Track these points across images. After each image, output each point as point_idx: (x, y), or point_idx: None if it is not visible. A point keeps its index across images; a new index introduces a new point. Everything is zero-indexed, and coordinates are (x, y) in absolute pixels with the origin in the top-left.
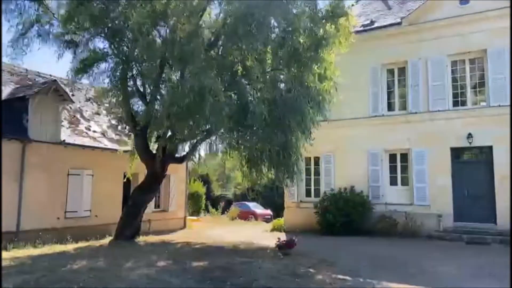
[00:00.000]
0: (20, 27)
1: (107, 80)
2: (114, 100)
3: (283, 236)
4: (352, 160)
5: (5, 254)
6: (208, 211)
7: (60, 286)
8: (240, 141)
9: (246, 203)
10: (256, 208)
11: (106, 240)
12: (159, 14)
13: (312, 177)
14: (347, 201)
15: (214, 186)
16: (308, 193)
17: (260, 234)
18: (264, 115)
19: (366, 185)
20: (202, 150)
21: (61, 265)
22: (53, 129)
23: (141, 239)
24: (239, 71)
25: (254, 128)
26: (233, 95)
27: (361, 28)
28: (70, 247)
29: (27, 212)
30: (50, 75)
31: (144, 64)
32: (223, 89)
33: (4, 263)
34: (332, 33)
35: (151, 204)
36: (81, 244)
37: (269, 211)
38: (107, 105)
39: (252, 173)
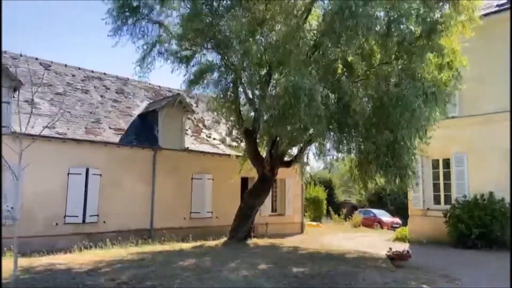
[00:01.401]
0: (145, 47)
1: (217, 89)
2: (225, 107)
3: (406, 247)
4: (489, 161)
5: (133, 249)
6: (330, 217)
7: (163, 281)
8: (344, 142)
9: (371, 209)
10: (383, 215)
11: (222, 240)
12: (257, 20)
13: (441, 181)
14: (484, 210)
15: (338, 191)
16: (436, 200)
17: (380, 243)
18: (368, 113)
19: (508, 191)
20: (311, 153)
21: (173, 262)
22: (178, 137)
23: (252, 241)
24: (339, 69)
25: (359, 128)
26: (331, 94)
27: (496, 9)
28: (189, 245)
29: (158, 212)
30: (178, 89)
31: (249, 71)
32: (321, 88)
33: (128, 257)
34: (451, 16)
35: (268, 208)
36: (199, 243)
37: (397, 219)
38: (218, 113)
39: (363, 176)
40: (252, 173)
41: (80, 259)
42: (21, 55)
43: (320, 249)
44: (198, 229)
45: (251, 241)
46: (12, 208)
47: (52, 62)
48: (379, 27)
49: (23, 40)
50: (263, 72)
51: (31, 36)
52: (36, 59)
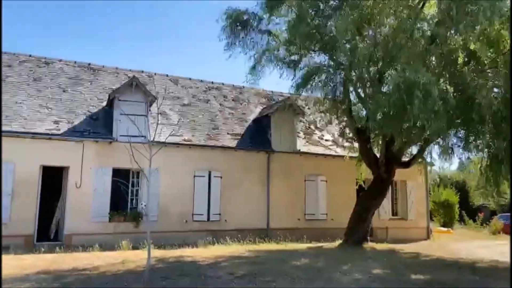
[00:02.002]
0: (255, 56)
1: (326, 90)
2: (335, 108)
3: None
4: None
5: (250, 247)
6: (463, 223)
7: (276, 278)
8: (470, 139)
9: None
10: None
11: (336, 243)
12: (365, 17)
13: None
14: None
15: (473, 194)
16: None
17: None
18: (496, 107)
19: None
20: (435, 153)
21: (286, 261)
22: (290, 140)
23: (369, 245)
24: (460, 59)
25: (486, 123)
26: (449, 87)
27: None
28: (303, 246)
29: (274, 212)
30: (289, 93)
31: (358, 69)
32: (439, 82)
33: (246, 254)
34: None
35: (388, 211)
36: (313, 244)
37: None
38: (329, 113)
39: (495, 177)
40: (369, 175)
41: (204, 253)
42: (155, 74)
43: (447, 256)
44: (312, 230)
45: (368, 245)
46: (145, 205)
47: (179, 77)
48: (506, 9)
49: (156, 60)
50: (374, 69)
51: (162, 56)
52: (167, 75)
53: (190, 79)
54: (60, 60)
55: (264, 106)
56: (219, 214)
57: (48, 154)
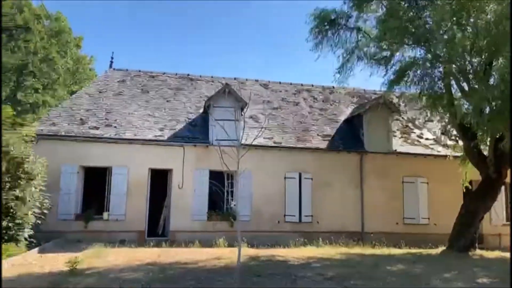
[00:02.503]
0: (344, 55)
1: (422, 85)
2: (434, 103)
3: None
4: None
5: (342, 249)
6: None
7: (366, 282)
8: None
9: None
10: None
11: (439, 249)
12: (463, 5)
13: None
14: None
15: None
16: None
17: None
18: None
19: None
20: None
21: (380, 265)
22: (385, 140)
23: (477, 252)
24: None
25: None
26: None
27: None
28: (400, 251)
29: (368, 215)
30: (382, 91)
31: (460, 61)
32: None
33: (337, 257)
34: None
35: (500, 216)
36: (412, 250)
37: None
38: (427, 110)
39: None
40: (475, 175)
41: (295, 253)
42: (246, 80)
43: None
44: (412, 235)
45: (475, 253)
46: (234, 205)
47: (269, 81)
48: None
49: (248, 66)
50: (477, 60)
51: (254, 62)
52: (257, 81)
53: (279, 83)
54: (164, 73)
55: (356, 105)
56: (311, 215)
57: (155, 158)
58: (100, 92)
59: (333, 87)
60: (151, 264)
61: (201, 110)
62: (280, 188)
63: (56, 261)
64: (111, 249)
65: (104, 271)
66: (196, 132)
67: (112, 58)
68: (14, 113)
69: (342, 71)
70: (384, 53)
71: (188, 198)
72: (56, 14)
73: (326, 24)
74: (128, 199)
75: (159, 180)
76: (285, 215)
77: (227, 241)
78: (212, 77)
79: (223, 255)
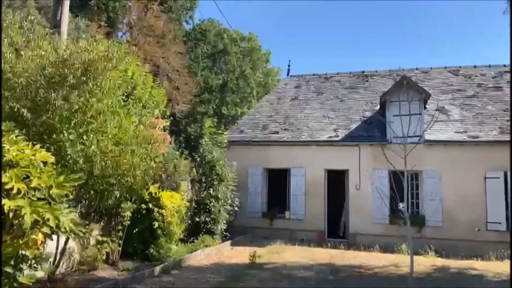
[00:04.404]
0: None
1: None
2: None
3: None
4: None
5: None
6: None
7: None
8: None
9: None
10: None
11: None
12: None
13: None
14: None
15: None
16: None
17: None
18: None
19: None
20: None
21: None
22: None
23: None
24: None
25: None
26: None
27: None
28: None
29: None
30: None
31: None
32: None
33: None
34: None
35: None
36: None
37: None
38: None
39: None
40: None
41: (498, 268)
42: (431, 68)
43: None
44: None
45: None
46: (403, 207)
47: (460, 67)
48: None
49: (433, 53)
50: None
51: (438, 48)
52: (445, 67)
53: (474, 66)
54: (338, 73)
55: None
56: None
57: (330, 159)
58: (278, 99)
59: None
60: (324, 265)
61: (377, 107)
62: (479, 190)
63: (243, 254)
64: (290, 246)
65: (279, 267)
66: (371, 130)
67: (289, 66)
68: (214, 124)
69: None
70: None
71: (366, 199)
72: (249, 35)
73: None
74: (306, 199)
75: (336, 181)
76: (486, 222)
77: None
78: (389, 70)
79: (403, 262)
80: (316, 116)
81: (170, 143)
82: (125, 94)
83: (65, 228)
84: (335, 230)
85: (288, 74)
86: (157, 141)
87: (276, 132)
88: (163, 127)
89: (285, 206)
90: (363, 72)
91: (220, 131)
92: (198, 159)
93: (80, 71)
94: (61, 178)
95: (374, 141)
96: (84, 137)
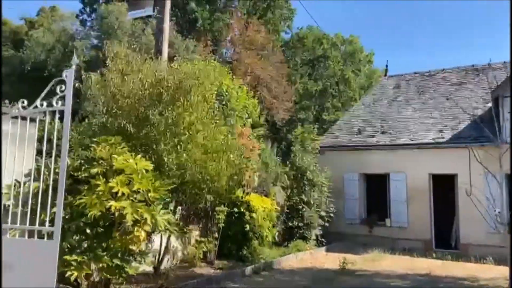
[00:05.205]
0: None
1: None
2: None
3: None
4: None
5: None
6: None
7: None
8: None
9: None
10: None
11: None
12: None
13: None
14: None
15: None
16: None
17: None
18: None
19: None
20: None
21: None
22: None
23: None
24: None
25: None
26: None
27: None
28: None
29: None
30: None
31: None
32: None
33: None
34: None
35: None
36: None
37: None
38: None
39: None
40: None
41: None
42: None
43: None
44: None
45: None
46: (499, 212)
47: None
48: None
49: None
50: None
51: None
52: None
53: None
54: (443, 70)
55: None
56: None
57: (434, 163)
58: (375, 101)
59: None
60: (423, 275)
61: (489, 104)
62: None
63: (337, 260)
64: (390, 255)
65: (371, 275)
66: (483, 130)
67: (386, 66)
68: (312, 130)
69: None
70: None
71: (479, 206)
72: (350, 37)
73: None
74: (409, 206)
75: (444, 186)
76: None
77: None
78: (504, 62)
79: None
80: (418, 117)
81: (263, 150)
82: (220, 105)
83: (160, 227)
84: (445, 239)
85: (386, 74)
86: (243, 149)
87: (373, 136)
88: (257, 135)
89: (385, 213)
90: (473, 66)
91: (312, 137)
92: (290, 165)
93: (172, 89)
94: (157, 183)
95: (486, 141)
96: (178, 147)
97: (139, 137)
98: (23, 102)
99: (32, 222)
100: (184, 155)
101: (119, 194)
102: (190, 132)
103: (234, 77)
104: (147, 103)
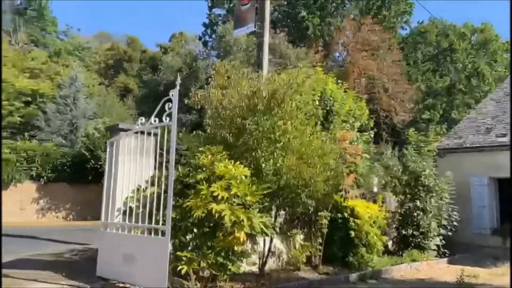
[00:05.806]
0: None
1: None
2: None
3: None
4: None
5: None
6: None
7: None
8: None
9: None
10: None
11: None
12: None
13: None
14: None
15: None
16: None
17: None
18: None
19: None
20: None
21: None
22: None
23: None
24: None
25: None
26: None
27: None
28: None
29: None
30: None
31: None
32: None
33: None
34: None
35: None
36: None
37: None
38: None
39: None
40: None
41: None
42: None
43: None
44: None
45: None
46: None
47: None
48: None
49: None
50: None
51: None
52: None
53: None
54: None
55: None
56: None
57: None
58: (506, 95)
59: None
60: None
61: None
62: None
63: (458, 273)
64: None
65: None
66: None
67: None
68: (443, 131)
69: None
70: None
71: None
72: (481, 26)
73: None
74: None
75: None
76: None
77: None
78: None
79: None
80: None
81: (382, 154)
82: (322, 110)
83: (256, 229)
84: None
85: None
86: (343, 154)
87: (504, 135)
88: (366, 139)
89: None
90: None
91: (428, 139)
92: (402, 169)
93: (266, 99)
94: (254, 187)
95: None
96: (274, 154)
97: (238, 145)
98: (141, 119)
99: (151, 222)
100: (280, 161)
101: (219, 197)
102: (285, 139)
103: (343, 81)
104: (244, 114)
